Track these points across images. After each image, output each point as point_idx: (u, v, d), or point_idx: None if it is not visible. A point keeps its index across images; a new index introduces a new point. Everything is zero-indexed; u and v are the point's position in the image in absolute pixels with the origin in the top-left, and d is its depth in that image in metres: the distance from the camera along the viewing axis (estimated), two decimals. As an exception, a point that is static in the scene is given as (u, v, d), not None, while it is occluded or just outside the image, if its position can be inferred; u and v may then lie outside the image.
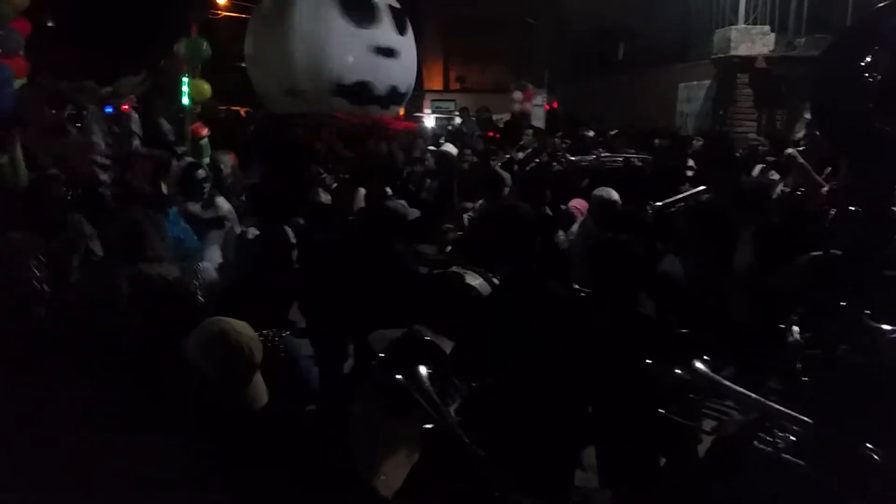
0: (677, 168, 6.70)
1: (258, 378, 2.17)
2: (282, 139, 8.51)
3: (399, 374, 2.22)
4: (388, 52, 9.85)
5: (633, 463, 2.84)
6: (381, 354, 2.40)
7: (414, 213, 4.93)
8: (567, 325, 2.88)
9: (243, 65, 12.19)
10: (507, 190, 5.59)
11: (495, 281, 3.86)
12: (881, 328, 2.42)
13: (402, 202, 4.75)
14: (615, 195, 4.57)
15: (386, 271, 4.22)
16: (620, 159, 6.93)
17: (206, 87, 8.75)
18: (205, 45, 8.57)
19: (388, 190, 5.83)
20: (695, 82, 12.67)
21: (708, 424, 2.48)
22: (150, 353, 2.41)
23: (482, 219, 5.35)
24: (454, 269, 4.19)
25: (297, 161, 7.11)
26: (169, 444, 1.99)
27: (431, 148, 9.33)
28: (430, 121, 15.34)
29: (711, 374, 2.40)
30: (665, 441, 2.93)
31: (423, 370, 2.21)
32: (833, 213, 4.06)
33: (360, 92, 9.74)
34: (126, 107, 6.46)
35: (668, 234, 4.29)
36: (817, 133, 5.61)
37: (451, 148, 7.70)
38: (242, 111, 15.07)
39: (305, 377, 3.19)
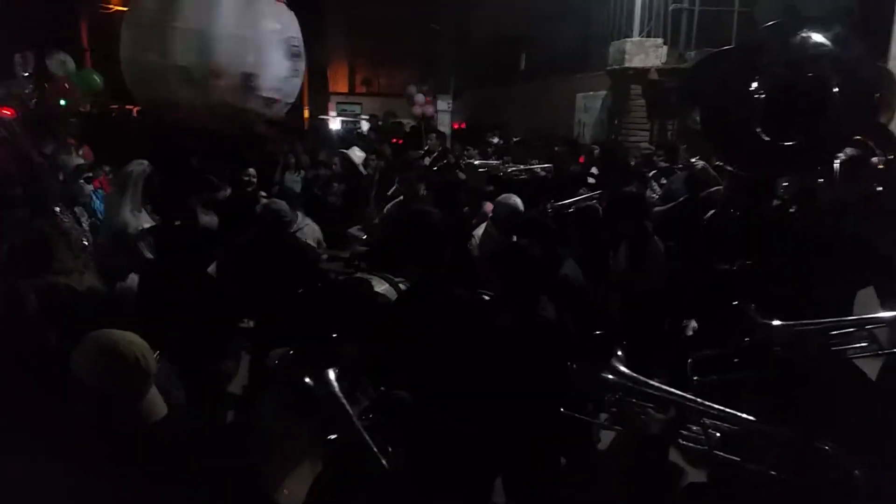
0: (578, 174, 6.95)
1: (153, 391, 2.07)
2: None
3: (307, 376, 2.18)
4: None
5: (537, 467, 2.90)
6: (289, 353, 2.33)
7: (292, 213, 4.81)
8: (469, 329, 2.92)
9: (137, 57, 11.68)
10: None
11: (401, 286, 3.89)
12: (772, 323, 2.54)
13: (282, 202, 4.63)
14: (518, 201, 4.69)
15: (282, 271, 4.14)
16: (524, 169, 7.09)
17: (96, 78, 8.27)
18: (97, 78, 8.08)
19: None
20: (591, 92, 13.11)
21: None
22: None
23: (392, 224, 5.36)
24: (360, 275, 4.19)
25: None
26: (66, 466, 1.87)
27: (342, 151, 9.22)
28: (335, 123, 15.16)
29: (634, 374, 2.41)
30: (574, 443, 3.02)
31: (331, 373, 2.18)
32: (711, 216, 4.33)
33: None
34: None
35: (568, 238, 4.46)
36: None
37: (358, 152, 7.65)
38: (135, 109, 14.39)
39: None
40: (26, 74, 8.47)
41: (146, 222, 4.61)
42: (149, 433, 2.07)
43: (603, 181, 6.46)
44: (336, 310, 3.46)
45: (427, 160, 8.11)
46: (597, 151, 8.28)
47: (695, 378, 2.60)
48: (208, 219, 4.26)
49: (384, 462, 2.10)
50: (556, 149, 8.43)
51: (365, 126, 13.88)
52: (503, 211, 4.68)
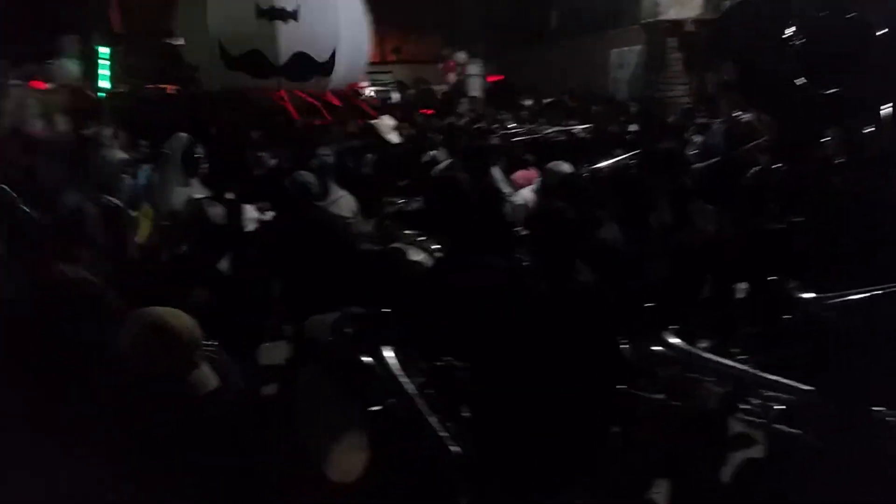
0: (617, 134, 6.81)
1: (204, 363, 2.13)
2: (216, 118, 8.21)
3: (364, 354, 2.17)
4: (280, 14, 8.53)
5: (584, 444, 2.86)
6: (344, 332, 2.32)
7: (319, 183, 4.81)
8: (504, 297, 2.90)
9: (169, 41, 11.76)
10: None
11: (438, 255, 3.88)
12: (807, 297, 2.47)
13: (308, 174, 4.65)
14: (567, 168, 4.58)
15: (315, 244, 4.18)
16: (563, 131, 6.97)
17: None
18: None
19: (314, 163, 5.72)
20: (626, 48, 12.80)
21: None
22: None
23: (421, 192, 5.34)
24: (396, 245, 4.19)
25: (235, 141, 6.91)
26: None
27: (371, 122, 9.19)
28: (367, 93, 15.10)
29: (688, 346, 2.36)
30: (631, 418, 2.96)
31: (388, 351, 2.18)
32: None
33: (253, 63, 8.61)
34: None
35: (605, 200, 4.38)
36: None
37: (388, 121, 7.61)
38: (169, 88, 14.55)
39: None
40: (67, 57, 8.60)
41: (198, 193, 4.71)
42: (200, 404, 2.14)
43: (640, 139, 6.32)
44: (372, 279, 3.48)
45: (460, 123, 8.04)
46: (633, 109, 8.10)
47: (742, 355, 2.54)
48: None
49: (449, 445, 2.07)
50: (592, 108, 8.27)
51: (395, 95, 13.77)
52: (552, 179, 4.58)
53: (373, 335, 2.20)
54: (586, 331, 2.74)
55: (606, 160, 5.37)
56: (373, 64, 18.70)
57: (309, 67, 9.16)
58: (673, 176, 4.36)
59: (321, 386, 2.51)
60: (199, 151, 4.89)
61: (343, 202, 5.41)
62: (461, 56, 14.59)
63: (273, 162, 6.07)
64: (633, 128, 7.20)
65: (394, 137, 7.24)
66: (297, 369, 2.93)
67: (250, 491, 2.20)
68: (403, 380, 2.12)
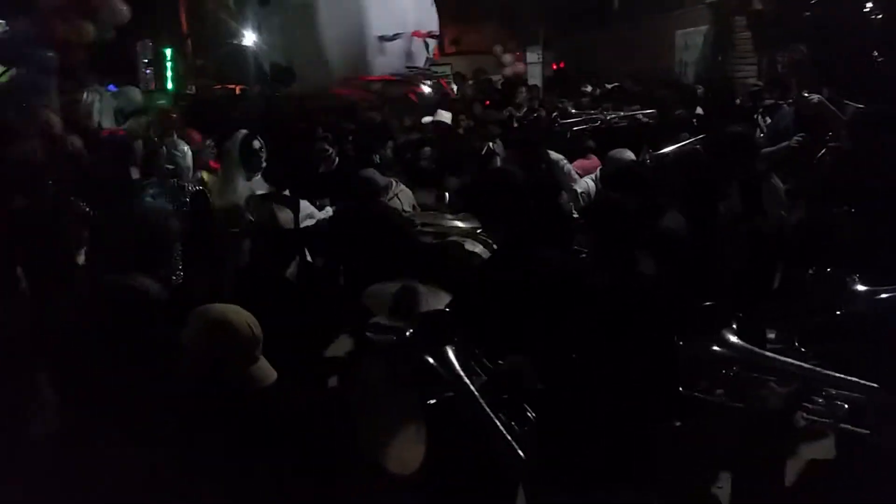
0: (683, 118, 6.59)
1: (262, 358, 2.19)
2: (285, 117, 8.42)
3: (428, 354, 2.17)
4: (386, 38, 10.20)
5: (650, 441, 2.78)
6: (406, 333, 2.32)
7: (385, 180, 4.85)
8: (561, 291, 2.84)
9: (236, 41, 12.08)
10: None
11: (496, 247, 3.85)
12: (864, 289, 2.34)
13: (372, 170, 4.68)
14: (631, 156, 4.46)
15: (378, 239, 4.21)
16: (624, 116, 6.80)
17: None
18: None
19: (376, 158, 5.77)
20: (691, 28, 12.42)
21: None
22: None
23: (472, 184, 5.32)
24: (454, 238, 4.20)
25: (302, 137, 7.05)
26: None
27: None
28: (426, 87, 15.12)
29: (748, 345, 2.28)
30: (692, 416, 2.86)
31: (451, 351, 2.17)
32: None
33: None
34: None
35: (670, 187, 4.24)
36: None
37: (445, 115, 7.60)
38: (237, 88, 14.92)
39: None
40: (146, 61, 8.95)
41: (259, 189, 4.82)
42: (260, 397, 2.19)
43: (708, 123, 6.10)
44: (430, 273, 3.49)
45: (518, 114, 7.97)
46: (700, 91, 7.83)
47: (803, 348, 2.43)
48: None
49: (516, 446, 2.06)
50: (657, 92, 8.03)
51: (454, 86, 13.72)
52: (614, 167, 4.47)
53: (435, 336, 2.19)
54: (648, 326, 2.66)
55: (672, 145, 5.20)
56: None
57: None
58: (742, 161, 4.18)
59: (380, 379, 2.53)
60: (260, 147, 4.98)
61: (403, 196, 5.45)
62: (519, 44, 14.42)
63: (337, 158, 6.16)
64: (699, 111, 6.96)
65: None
66: (357, 362, 2.96)
67: (308, 484, 2.23)
68: (466, 380, 2.10)
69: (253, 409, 2.15)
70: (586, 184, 4.67)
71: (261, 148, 5.03)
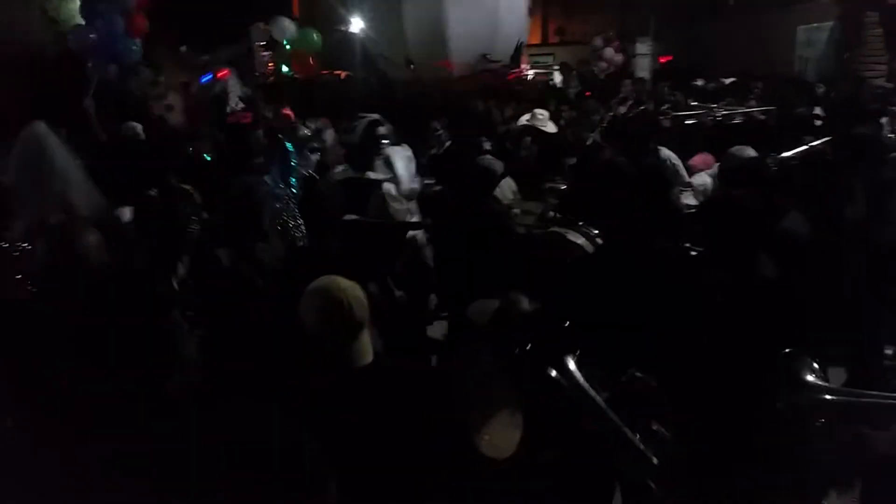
0: (804, 118, 6.22)
1: (364, 336, 2.19)
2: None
3: (551, 368, 2.14)
4: None
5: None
6: (526, 347, 2.28)
7: (501, 168, 4.80)
8: (672, 285, 2.73)
9: (343, 28, 12.36)
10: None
11: (599, 240, 3.75)
12: None
13: (491, 158, 4.64)
14: (750, 152, 4.23)
15: (482, 230, 4.18)
16: (740, 113, 6.48)
17: (316, 37, 8.70)
18: (316, 36, 8.62)
19: (486, 145, 5.74)
20: (815, 24, 11.70)
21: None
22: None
23: (578, 175, 5.21)
24: (555, 229, 4.10)
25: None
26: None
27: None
28: (529, 76, 14.95)
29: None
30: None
31: (572, 363, 2.13)
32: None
33: None
34: (224, 73, 6.69)
35: (791, 188, 4.01)
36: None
37: (542, 112, 7.46)
38: (342, 74, 15.25)
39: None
40: (262, 43, 9.27)
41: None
42: (357, 375, 2.20)
43: (833, 124, 5.72)
44: (533, 265, 3.44)
45: (622, 109, 7.73)
46: (821, 90, 7.35)
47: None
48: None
49: (649, 456, 2.00)
50: (776, 89, 7.61)
51: (557, 77, 13.50)
52: (734, 164, 4.24)
53: (555, 350, 2.15)
54: (763, 329, 2.51)
55: (792, 145, 4.91)
56: (535, 46, 18.55)
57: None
58: (869, 164, 3.90)
59: (480, 362, 2.51)
60: (384, 134, 5.02)
61: (504, 184, 5.40)
62: (627, 36, 14.00)
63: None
64: (818, 111, 6.55)
65: (551, 127, 7.09)
66: (456, 349, 2.94)
67: (401, 464, 2.23)
68: (591, 391, 2.05)
69: (350, 386, 2.17)
70: (703, 179, 4.46)
71: (385, 135, 5.06)
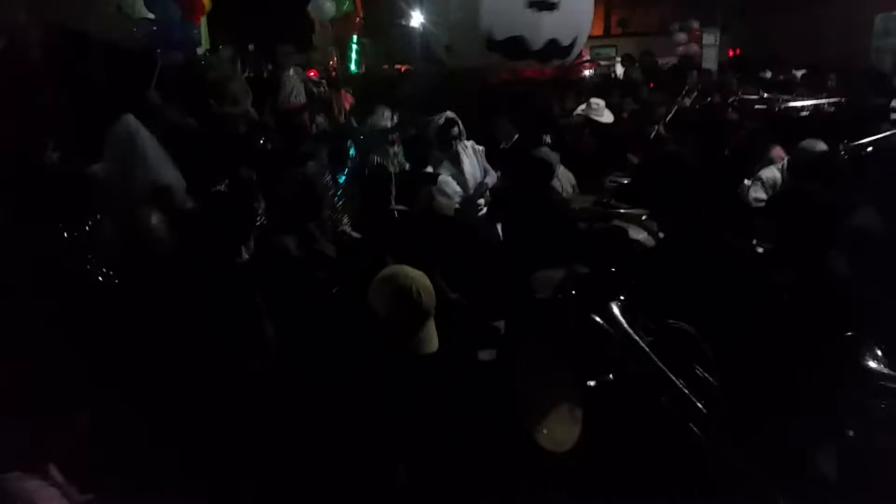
0: (879, 107, 5.95)
1: (431, 325, 2.23)
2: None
3: (594, 313, 2.14)
4: (546, 6, 9.49)
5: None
6: (570, 291, 2.30)
7: (556, 159, 4.77)
8: (737, 281, 2.68)
9: (402, 22, 12.43)
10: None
11: (661, 235, 3.70)
12: None
13: (546, 149, 4.63)
14: (822, 146, 4.10)
15: (540, 222, 4.17)
16: (809, 104, 6.25)
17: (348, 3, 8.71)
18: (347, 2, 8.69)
19: (547, 139, 5.72)
20: (894, 13, 11.15)
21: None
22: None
23: (641, 167, 5.13)
24: (617, 222, 4.07)
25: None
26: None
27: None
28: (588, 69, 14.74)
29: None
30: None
31: (617, 308, 2.13)
32: None
33: (513, 47, 9.52)
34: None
35: (864, 181, 3.86)
36: None
37: (598, 101, 7.36)
38: (402, 68, 15.33)
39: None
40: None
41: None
42: (420, 363, 2.25)
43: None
44: (593, 256, 3.42)
45: (687, 101, 7.56)
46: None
47: None
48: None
49: (694, 400, 1.99)
50: (850, 81, 7.30)
51: (619, 69, 13.26)
52: (804, 157, 4.13)
53: (601, 294, 2.14)
54: (832, 327, 2.44)
55: (866, 137, 4.71)
56: (596, 38, 18.28)
57: (556, 51, 9.90)
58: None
59: (541, 356, 2.52)
60: (458, 134, 5.05)
61: (563, 177, 5.37)
62: (693, 26, 13.60)
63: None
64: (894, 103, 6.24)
65: (608, 117, 6.99)
66: (517, 339, 2.96)
67: (459, 453, 2.27)
68: (635, 335, 2.04)
69: (416, 372, 2.22)
70: (772, 173, 4.34)
71: (459, 134, 5.07)
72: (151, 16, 5.93)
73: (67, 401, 1.51)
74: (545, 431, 2.44)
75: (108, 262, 2.65)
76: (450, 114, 5.09)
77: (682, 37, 12.74)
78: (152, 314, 2.13)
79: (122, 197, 3.01)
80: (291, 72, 6.64)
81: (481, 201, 5.14)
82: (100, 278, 2.55)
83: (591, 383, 2.29)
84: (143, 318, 2.14)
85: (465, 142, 5.31)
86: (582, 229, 4.11)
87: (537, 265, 3.86)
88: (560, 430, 2.40)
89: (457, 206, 4.71)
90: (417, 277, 2.25)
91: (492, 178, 5.30)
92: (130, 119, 3.22)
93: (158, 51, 5.41)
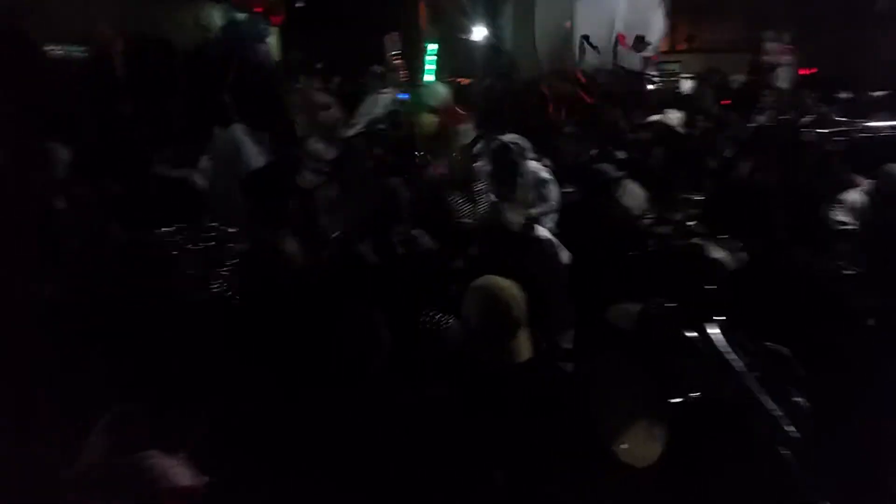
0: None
1: (522, 335, 2.30)
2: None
3: (689, 330, 2.16)
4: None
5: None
6: (666, 307, 2.32)
7: (617, 174, 4.75)
8: (820, 306, 2.65)
9: (467, 35, 12.63)
10: None
11: (741, 254, 3.66)
12: None
13: (608, 165, 4.64)
14: None
15: (606, 237, 4.18)
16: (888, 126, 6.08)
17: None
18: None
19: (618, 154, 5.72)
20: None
21: None
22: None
23: (718, 188, 5.07)
24: (696, 240, 4.04)
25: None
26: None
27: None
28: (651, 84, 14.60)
29: None
30: None
31: (712, 327, 2.15)
32: None
33: None
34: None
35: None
36: None
37: (674, 114, 7.30)
38: (465, 81, 15.47)
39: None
40: (395, 53, 9.61)
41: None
42: (510, 371, 2.31)
43: None
44: (671, 275, 3.41)
45: (762, 119, 7.44)
46: None
47: None
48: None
49: (787, 425, 2.00)
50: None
51: (684, 86, 13.09)
52: (887, 180, 4.04)
53: (695, 313, 2.16)
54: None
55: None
56: (661, 53, 18.06)
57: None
58: None
59: (622, 371, 2.54)
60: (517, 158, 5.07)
61: (632, 193, 5.35)
62: (767, 43, 13.34)
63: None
64: None
65: (681, 129, 6.94)
66: (595, 354, 2.99)
67: (537, 467, 2.30)
68: (731, 356, 2.05)
69: (507, 381, 2.28)
70: (854, 196, 4.25)
71: (517, 160, 5.05)
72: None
73: (197, 393, 1.62)
74: (625, 446, 2.46)
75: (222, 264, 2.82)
76: (510, 137, 5.07)
77: (760, 54, 12.49)
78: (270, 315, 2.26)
79: (226, 205, 3.17)
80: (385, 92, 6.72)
81: (547, 216, 5.15)
82: (218, 281, 2.72)
83: (676, 400, 2.30)
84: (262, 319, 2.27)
85: (532, 163, 5.30)
86: (656, 246, 4.10)
87: (608, 281, 3.88)
88: (640, 447, 2.41)
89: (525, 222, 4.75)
90: (508, 287, 2.32)
91: (554, 193, 5.28)
92: (236, 129, 3.39)
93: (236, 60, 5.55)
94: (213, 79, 5.29)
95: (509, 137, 5.10)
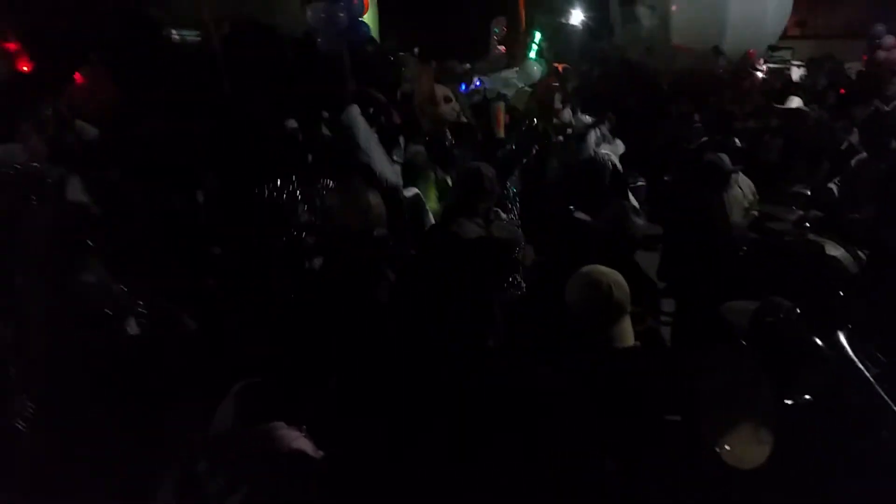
0: None
1: (625, 321, 2.29)
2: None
3: (818, 337, 2.09)
4: None
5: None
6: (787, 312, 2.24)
7: (730, 166, 4.54)
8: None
9: (565, 20, 12.45)
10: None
11: (859, 253, 3.46)
12: None
13: (721, 155, 4.45)
14: None
15: (710, 229, 4.04)
16: None
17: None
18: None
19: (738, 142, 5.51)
20: None
21: None
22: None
23: (838, 181, 4.80)
24: (812, 237, 3.84)
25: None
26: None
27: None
28: (760, 72, 13.89)
29: None
30: None
31: (841, 335, 2.06)
32: None
33: None
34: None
35: None
36: None
37: (797, 102, 6.93)
38: (560, 67, 15.26)
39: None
40: (496, 39, 9.65)
41: None
42: (613, 356, 2.28)
43: None
44: (785, 271, 3.26)
45: (885, 108, 6.93)
46: None
47: None
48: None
49: None
50: None
51: (796, 73, 12.41)
52: None
53: (826, 318, 2.06)
54: None
55: None
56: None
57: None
58: None
59: (733, 367, 2.46)
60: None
61: (743, 185, 5.14)
62: (882, 31, 12.44)
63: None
64: None
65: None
66: (705, 348, 2.90)
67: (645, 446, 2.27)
68: (860, 365, 1.96)
69: (608, 366, 2.25)
70: None
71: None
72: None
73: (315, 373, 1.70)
74: (727, 448, 2.39)
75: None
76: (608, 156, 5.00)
77: (888, 40, 11.67)
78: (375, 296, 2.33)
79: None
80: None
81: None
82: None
83: (789, 402, 2.21)
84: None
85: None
86: (771, 242, 3.93)
87: (714, 277, 3.75)
88: (745, 450, 2.34)
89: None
90: (610, 274, 2.32)
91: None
92: (354, 109, 3.52)
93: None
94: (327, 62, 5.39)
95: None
